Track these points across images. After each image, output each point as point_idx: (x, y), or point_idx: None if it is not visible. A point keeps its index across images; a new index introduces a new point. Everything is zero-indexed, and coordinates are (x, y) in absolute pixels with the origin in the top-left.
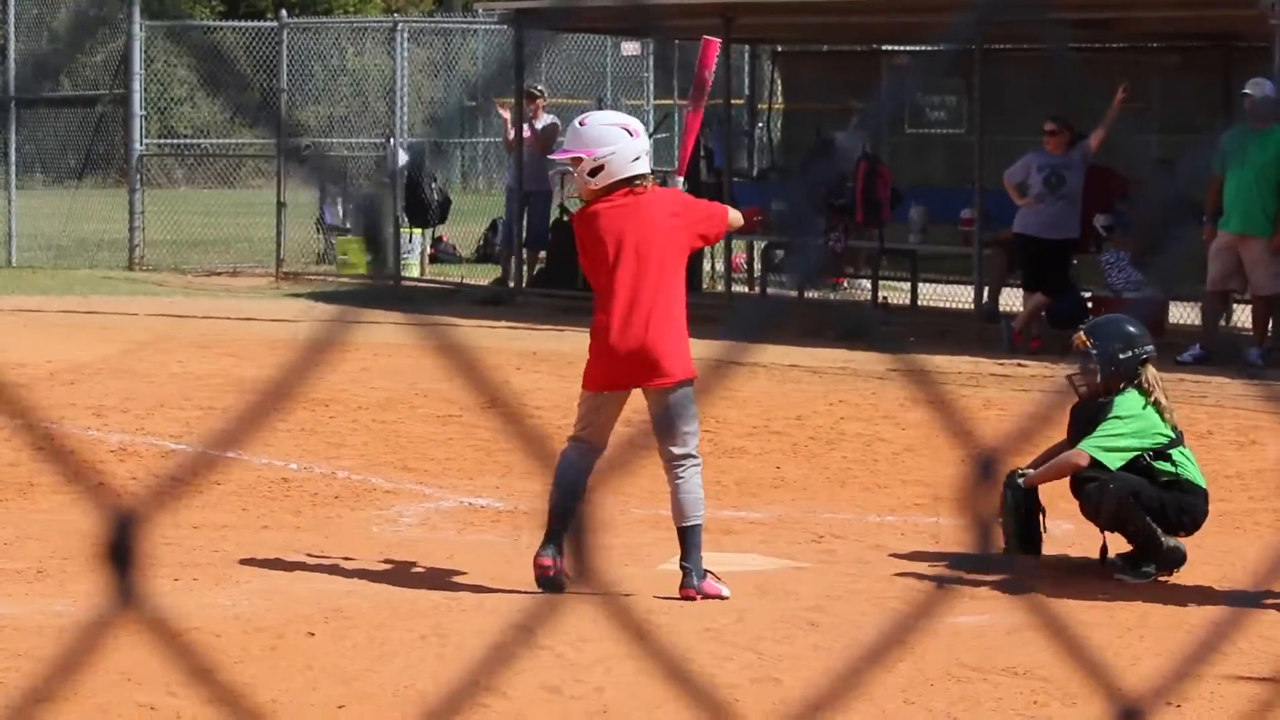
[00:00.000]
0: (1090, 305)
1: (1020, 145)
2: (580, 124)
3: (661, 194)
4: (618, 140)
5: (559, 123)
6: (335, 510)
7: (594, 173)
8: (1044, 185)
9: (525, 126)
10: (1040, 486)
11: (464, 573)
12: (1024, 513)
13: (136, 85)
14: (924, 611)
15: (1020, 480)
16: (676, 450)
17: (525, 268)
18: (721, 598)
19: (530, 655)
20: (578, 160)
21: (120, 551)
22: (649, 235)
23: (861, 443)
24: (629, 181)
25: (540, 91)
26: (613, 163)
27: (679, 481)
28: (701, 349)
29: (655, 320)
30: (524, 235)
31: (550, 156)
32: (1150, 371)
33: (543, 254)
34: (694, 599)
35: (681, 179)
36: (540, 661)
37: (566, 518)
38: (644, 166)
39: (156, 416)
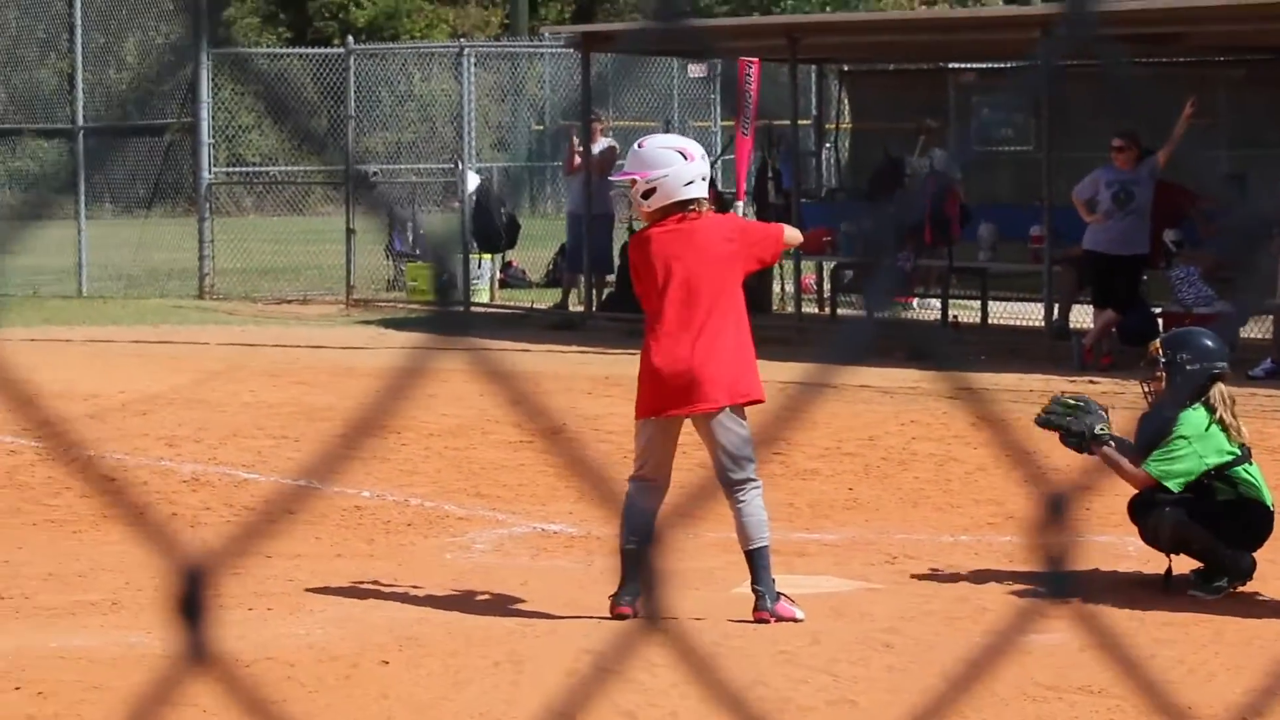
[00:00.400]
0: (1160, 321)
1: (1088, 162)
2: (638, 146)
3: (716, 219)
4: (671, 163)
5: (617, 146)
6: (408, 538)
7: (647, 195)
8: (1113, 201)
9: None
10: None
11: (538, 599)
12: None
13: (204, 113)
14: (1000, 632)
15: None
16: (733, 476)
17: (594, 292)
18: (795, 620)
19: (604, 681)
20: (634, 182)
21: (191, 603)
22: (701, 260)
23: (934, 463)
24: (683, 205)
25: (598, 115)
26: (665, 185)
27: (740, 505)
28: (784, 371)
29: (702, 345)
30: (585, 259)
31: (610, 178)
32: (1219, 388)
33: (609, 277)
34: (768, 621)
35: (741, 203)
36: (614, 687)
37: (639, 560)
38: (698, 191)
39: (229, 446)
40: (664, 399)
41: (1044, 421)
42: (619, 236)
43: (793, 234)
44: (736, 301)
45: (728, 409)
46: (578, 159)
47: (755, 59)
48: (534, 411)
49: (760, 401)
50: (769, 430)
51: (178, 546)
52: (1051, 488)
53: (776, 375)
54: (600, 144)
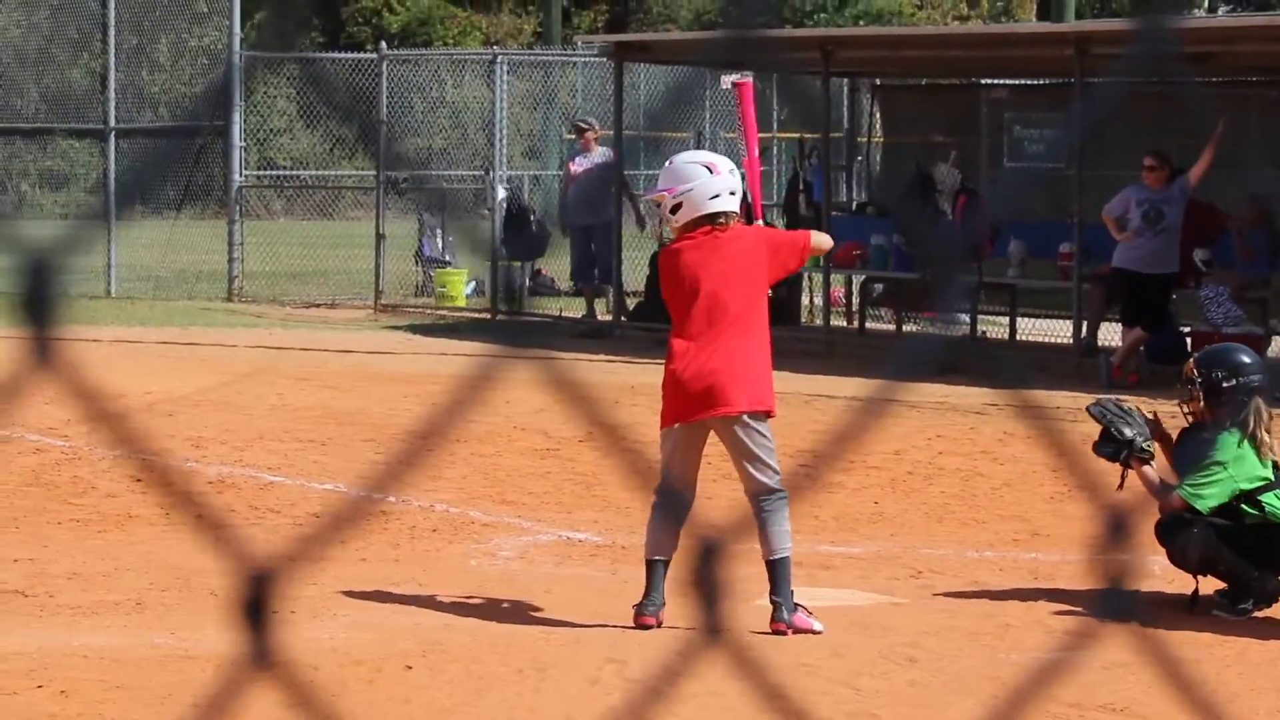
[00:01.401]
0: (1189, 340)
1: (1120, 180)
2: (669, 164)
3: (742, 230)
4: (698, 177)
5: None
6: (433, 543)
7: (675, 210)
8: (1143, 220)
9: (578, 160)
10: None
11: (561, 607)
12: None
13: (236, 116)
14: (1054, 650)
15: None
16: (758, 485)
17: (616, 301)
18: (813, 631)
19: (626, 689)
20: (663, 197)
21: (254, 607)
22: (726, 272)
23: (960, 478)
24: (711, 219)
25: (589, 124)
26: (692, 199)
27: (765, 515)
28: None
29: (723, 353)
30: (596, 270)
31: (643, 195)
32: (1257, 403)
33: (606, 286)
34: (785, 633)
35: (760, 220)
36: (636, 696)
37: (662, 571)
38: (725, 204)
39: (255, 448)
40: (687, 405)
41: (1098, 412)
42: (638, 247)
43: (820, 239)
44: (761, 313)
45: (748, 415)
46: (573, 168)
47: (748, 80)
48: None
49: (772, 414)
50: (839, 446)
51: (247, 549)
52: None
53: (803, 388)
54: (596, 154)
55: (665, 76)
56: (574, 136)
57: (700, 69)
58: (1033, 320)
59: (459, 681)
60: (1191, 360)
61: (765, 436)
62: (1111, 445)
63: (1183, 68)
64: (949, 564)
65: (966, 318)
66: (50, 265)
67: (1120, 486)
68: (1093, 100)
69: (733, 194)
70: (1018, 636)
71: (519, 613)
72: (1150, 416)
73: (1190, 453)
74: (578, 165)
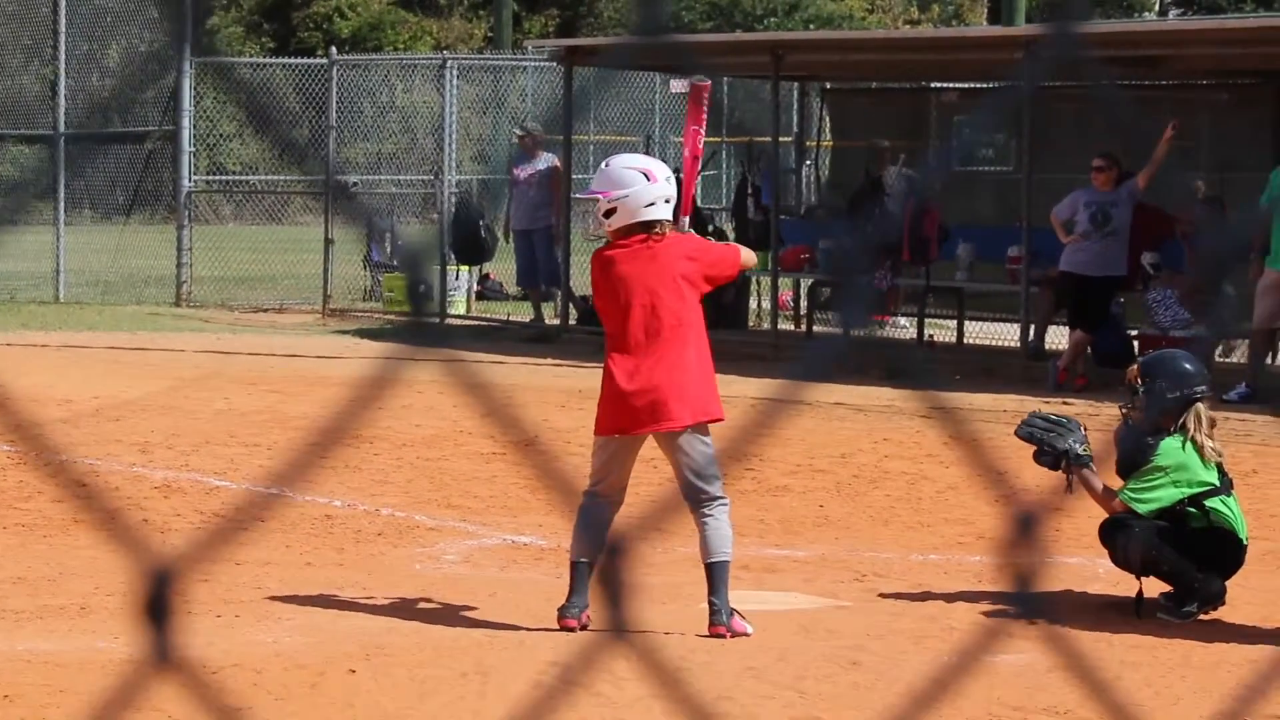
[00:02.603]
0: (1136, 343)
1: (1068, 182)
2: (605, 165)
3: (676, 239)
4: (634, 183)
5: (558, 163)
6: (378, 547)
7: (609, 214)
8: (1090, 222)
9: (522, 166)
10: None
11: (506, 610)
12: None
13: (186, 122)
14: (966, 650)
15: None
16: (700, 494)
17: (563, 306)
18: (747, 635)
19: (570, 694)
20: (598, 200)
21: (158, 606)
22: (661, 280)
23: (905, 481)
24: (646, 226)
25: (529, 130)
26: (627, 205)
27: (705, 520)
28: (759, 388)
29: (664, 365)
30: (541, 274)
31: (576, 195)
32: (1197, 412)
33: (555, 289)
34: (724, 636)
35: (686, 218)
36: (580, 700)
37: (587, 573)
38: (661, 212)
39: (201, 453)
40: (628, 418)
41: (1025, 434)
42: (585, 251)
43: (749, 256)
44: (697, 320)
45: (692, 428)
46: (517, 174)
47: (707, 83)
48: (508, 423)
49: (720, 420)
50: (741, 445)
51: (147, 549)
52: (1021, 506)
53: (750, 391)
54: (541, 160)
55: (616, 81)
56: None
57: (650, 73)
58: (980, 324)
59: (403, 685)
60: (1135, 366)
61: (707, 445)
62: (1049, 456)
63: (1102, 71)
64: (894, 567)
65: (903, 320)
66: None
67: (1069, 489)
68: (1011, 98)
69: (668, 202)
70: (962, 639)
71: (463, 616)
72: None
73: (1129, 454)
74: (521, 170)
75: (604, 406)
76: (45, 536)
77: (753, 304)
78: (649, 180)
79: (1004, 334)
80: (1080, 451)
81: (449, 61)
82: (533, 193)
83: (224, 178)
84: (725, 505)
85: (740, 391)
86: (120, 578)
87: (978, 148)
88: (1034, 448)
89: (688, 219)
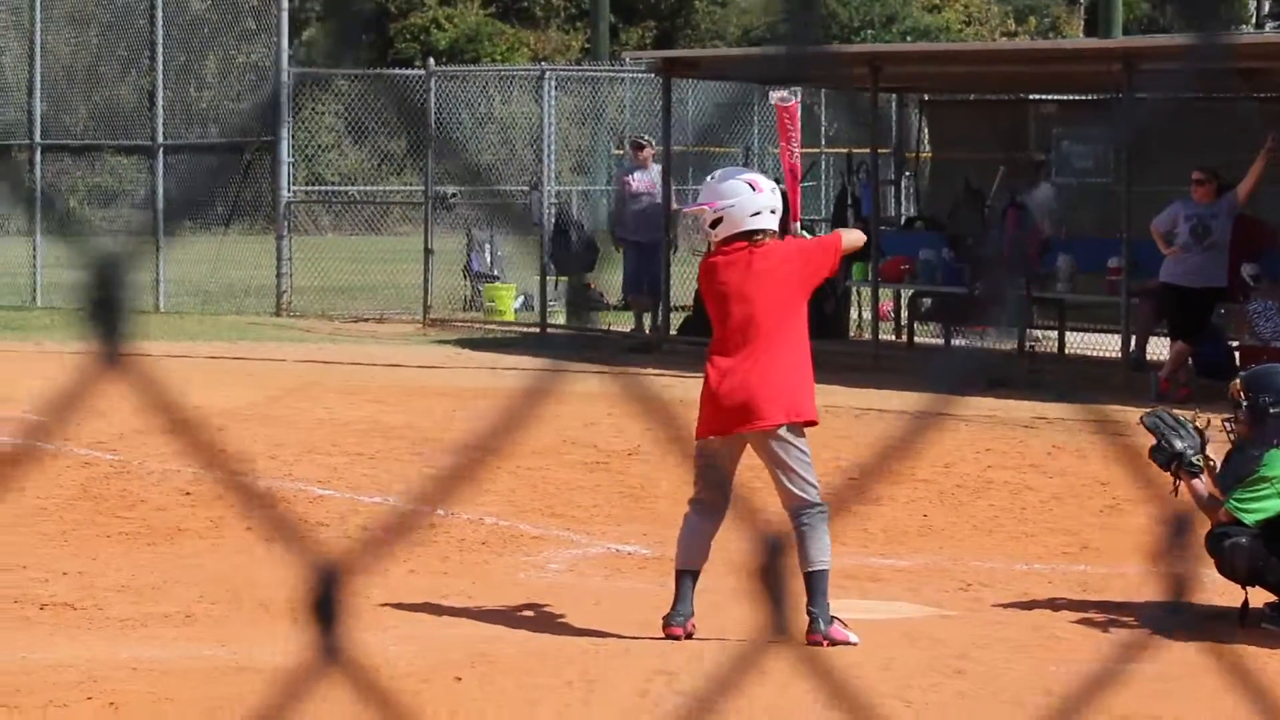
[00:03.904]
0: (1237, 355)
1: (1167, 195)
2: (711, 178)
3: (775, 245)
4: (739, 194)
5: (656, 179)
6: (482, 556)
7: (714, 224)
8: (1190, 235)
9: (636, 176)
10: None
11: (611, 619)
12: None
13: (284, 133)
14: (1099, 664)
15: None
16: (796, 499)
17: (664, 316)
18: (849, 643)
19: (675, 701)
20: (703, 212)
21: (325, 605)
22: (761, 287)
23: (1009, 491)
24: (749, 235)
25: (647, 141)
26: (731, 215)
27: (804, 528)
28: (859, 398)
29: (760, 367)
30: (646, 284)
31: (683, 210)
32: None
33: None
34: (821, 645)
35: (797, 224)
36: (685, 707)
37: (691, 582)
38: (764, 222)
39: (304, 462)
40: (722, 418)
41: (1150, 424)
42: (688, 262)
43: (851, 237)
44: (798, 324)
45: (785, 428)
46: (629, 183)
47: (793, 102)
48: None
49: (814, 423)
50: (885, 462)
51: (315, 549)
52: (1170, 511)
53: (851, 401)
54: (653, 171)
55: (713, 92)
56: (622, 152)
57: (748, 85)
58: (1081, 335)
59: (508, 693)
60: (1238, 381)
61: (801, 450)
62: (1163, 455)
63: (1231, 83)
64: (998, 576)
65: (1015, 331)
66: (117, 273)
67: (1174, 492)
68: (1139, 114)
69: (773, 212)
70: (1067, 648)
71: (568, 625)
72: (1203, 425)
73: (1236, 469)
74: (636, 181)
75: (702, 409)
76: (150, 545)
77: (853, 314)
78: (754, 191)
79: (1105, 345)
80: (1192, 459)
81: (547, 73)
82: (645, 203)
83: (323, 188)
84: (823, 512)
85: (845, 402)
86: (224, 586)
87: (1076, 161)
88: (1154, 441)
89: (799, 224)
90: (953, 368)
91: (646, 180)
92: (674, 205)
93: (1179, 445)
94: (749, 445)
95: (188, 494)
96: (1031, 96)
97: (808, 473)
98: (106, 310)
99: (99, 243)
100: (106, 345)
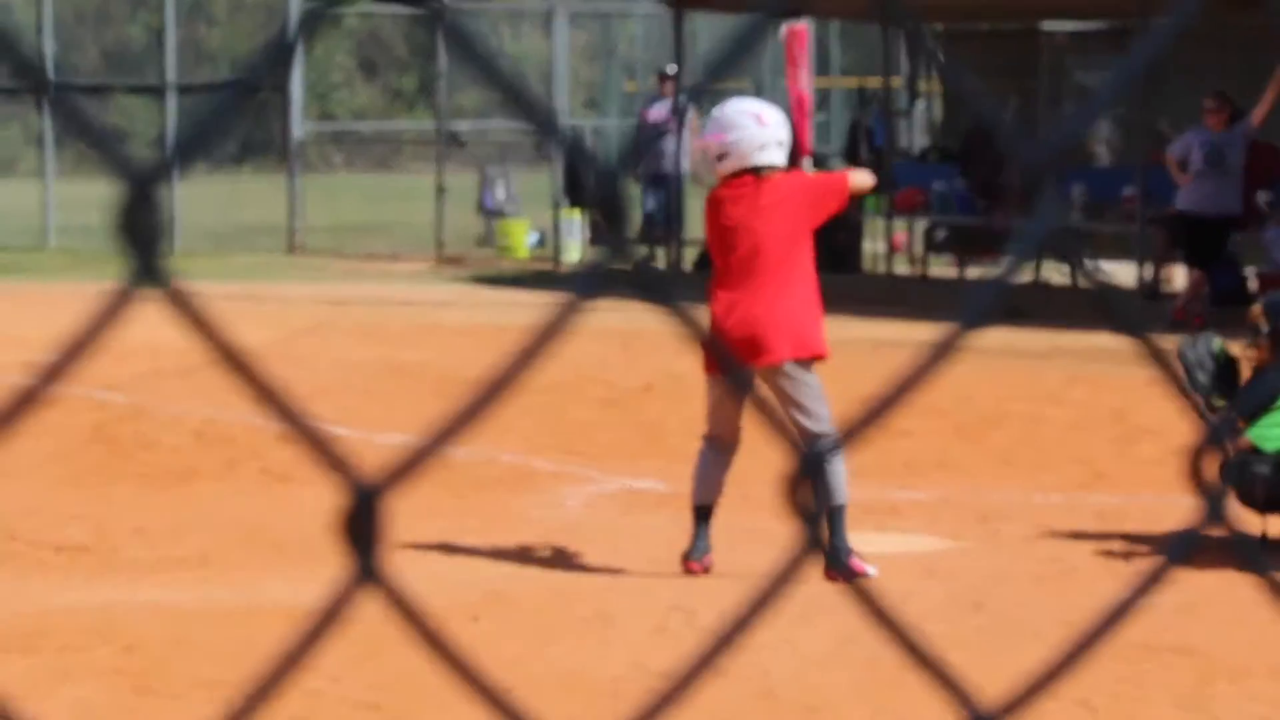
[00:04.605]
0: (1255, 282)
1: (1182, 123)
2: (717, 111)
3: (783, 178)
4: (745, 127)
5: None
6: (497, 494)
7: (721, 157)
8: (1205, 162)
9: (655, 108)
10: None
11: (627, 556)
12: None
13: (295, 71)
14: (1092, 593)
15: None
16: (809, 435)
17: (679, 250)
18: (867, 575)
19: (694, 637)
20: (709, 145)
21: (361, 527)
22: (767, 220)
23: (1025, 422)
24: (756, 170)
25: (671, 73)
26: (738, 149)
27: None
28: (874, 330)
29: (764, 302)
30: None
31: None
32: None
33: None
34: (836, 580)
35: (808, 158)
36: (705, 644)
37: (707, 518)
38: (771, 156)
39: (318, 402)
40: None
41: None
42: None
43: (859, 178)
44: (803, 258)
45: (793, 363)
46: (650, 116)
47: (801, 27)
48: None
49: (823, 357)
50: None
51: (351, 469)
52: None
53: (865, 334)
54: (669, 103)
55: (726, 27)
56: (636, 88)
57: (759, 16)
58: (1095, 264)
59: (525, 632)
60: (1257, 306)
61: (810, 385)
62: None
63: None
64: (1015, 508)
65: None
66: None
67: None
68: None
69: (780, 145)
70: (1085, 580)
71: (584, 563)
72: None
73: (1256, 395)
74: (654, 113)
75: (706, 343)
76: (164, 488)
77: (867, 246)
78: (760, 124)
79: (1119, 274)
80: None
81: (557, 8)
82: (664, 136)
83: (334, 127)
84: (838, 446)
85: (861, 335)
86: (238, 530)
87: (1085, 85)
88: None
89: (809, 159)
90: (973, 301)
91: (664, 112)
92: (690, 137)
93: (1192, 385)
94: (758, 379)
95: (200, 436)
96: (1045, 27)
97: (819, 406)
98: (138, 231)
99: (129, 162)
100: (139, 269)
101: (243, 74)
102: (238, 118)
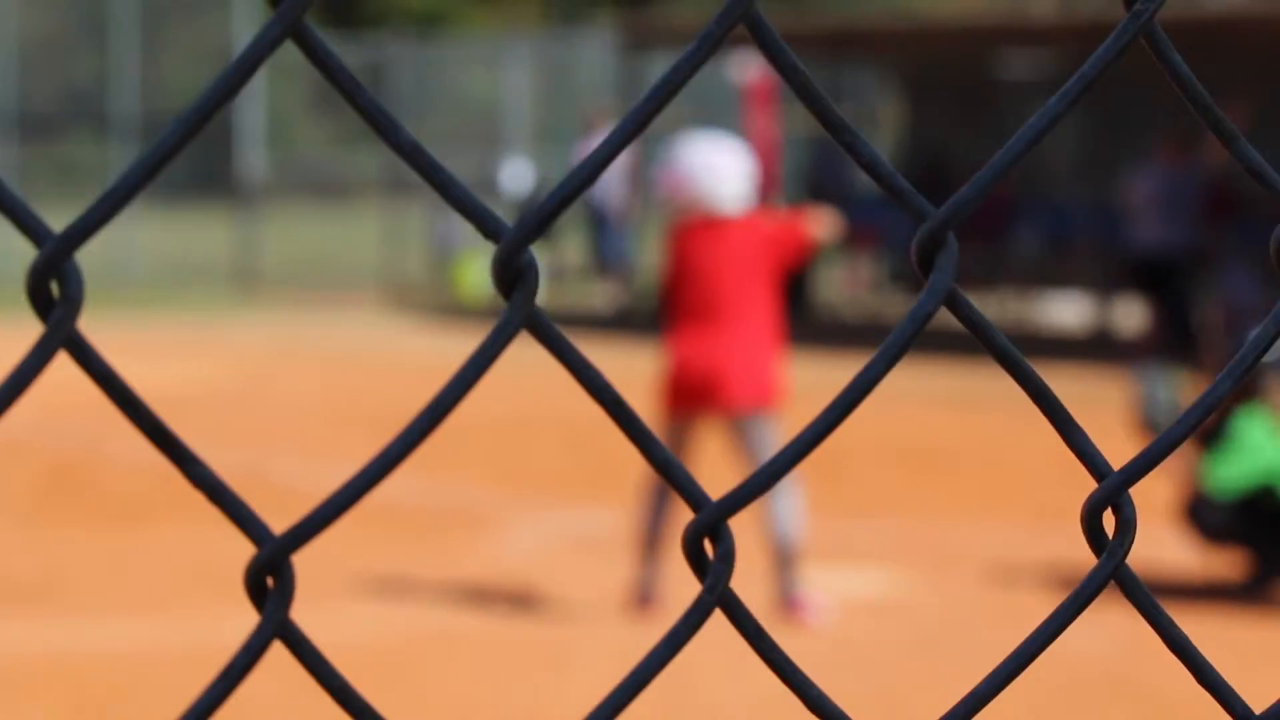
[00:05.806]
0: (1209, 319)
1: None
2: (677, 148)
3: (746, 221)
4: (706, 164)
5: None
6: (447, 533)
7: (679, 195)
8: (1160, 200)
9: (590, 144)
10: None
11: (581, 595)
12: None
13: (250, 106)
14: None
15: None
16: None
17: (631, 287)
18: (817, 615)
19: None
20: (670, 179)
21: (270, 582)
22: (727, 264)
23: (980, 458)
24: (718, 210)
25: (601, 108)
26: (698, 186)
27: (774, 502)
28: (830, 369)
29: (724, 346)
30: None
31: (653, 179)
32: None
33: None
34: (793, 616)
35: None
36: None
37: (661, 558)
38: (731, 193)
39: (260, 441)
40: (686, 397)
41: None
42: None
43: (821, 225)
44: (764, 304)
45: (749, 410)
46: (583, 152)
47: (764, 79)
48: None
49: (781, 403)
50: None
51: (255, 525)
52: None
53: (823, 377)
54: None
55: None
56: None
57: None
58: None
59: (478, 672)
60: (1208, 343)
61: (767, 431)
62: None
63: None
64: (970, 546)
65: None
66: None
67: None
68: (1041, 118)
69: (741, 183)
70: (1037, 619)
71: (536, 601)
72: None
73: (1218, 433)
74: (586, 148)
75: (665, 385)
76: (115, 529)
77: (823, 283)
78: (724, 163)
79: (1069, 312)
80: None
81: (509, 44)
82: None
83: (287, 159)
84: (794, 482)
85: (813, 378)
86: (191, 569)
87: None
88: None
89: (779, 198)
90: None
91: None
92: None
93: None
94: (714, 419)
95: (152, 475)
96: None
97: (771, 452)
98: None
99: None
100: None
101: (189, 109)
102: (188, 153)
